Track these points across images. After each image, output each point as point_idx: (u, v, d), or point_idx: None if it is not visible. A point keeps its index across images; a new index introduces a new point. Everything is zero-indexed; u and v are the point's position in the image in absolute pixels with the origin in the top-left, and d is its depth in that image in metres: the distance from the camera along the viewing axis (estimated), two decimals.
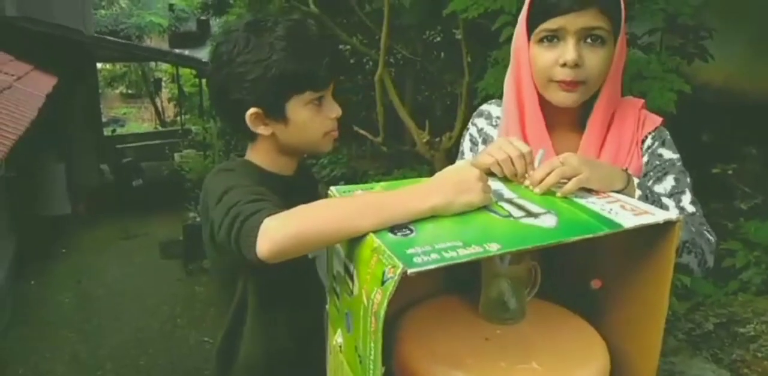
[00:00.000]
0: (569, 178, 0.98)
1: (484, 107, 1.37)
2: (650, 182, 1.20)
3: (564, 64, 1.14)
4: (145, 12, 15.87)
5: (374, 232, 0.84)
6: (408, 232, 0.84)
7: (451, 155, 4.00)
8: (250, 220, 0.91)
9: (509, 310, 1.03)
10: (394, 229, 0.85)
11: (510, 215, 0.89)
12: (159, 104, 15.78)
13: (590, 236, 0.84)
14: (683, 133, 1.26)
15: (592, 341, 1.01)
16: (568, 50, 1.13)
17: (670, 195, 1.18)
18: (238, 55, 1.12)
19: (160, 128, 14.54)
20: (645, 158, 1.24)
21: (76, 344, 4.99)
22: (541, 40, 1.17)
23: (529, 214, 0.90)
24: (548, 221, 0.87)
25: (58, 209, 7.95)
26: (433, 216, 0.88)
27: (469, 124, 1.38)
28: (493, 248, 0.79)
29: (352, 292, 0.88)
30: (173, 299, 6.09)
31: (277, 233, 0.87)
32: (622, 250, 1.01)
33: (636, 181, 1.07)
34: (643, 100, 1.28)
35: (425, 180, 1.03)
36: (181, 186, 8.24)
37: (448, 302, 1.10)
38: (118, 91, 17.36)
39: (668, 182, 1.20)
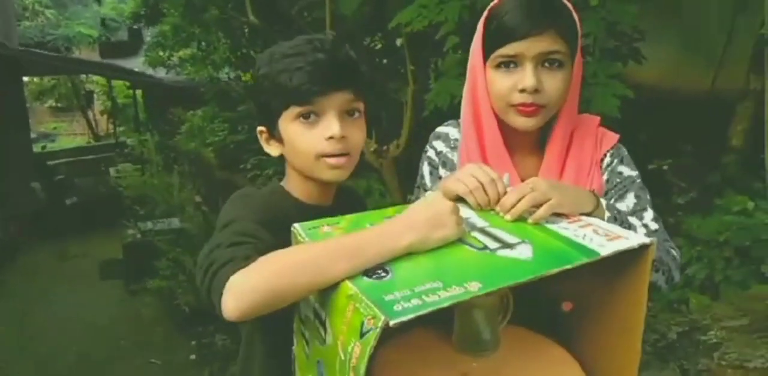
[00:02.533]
0: (540, 204, 0.97)
1: (442, 129, 1.34)
2: (612, 200, 1.19)
3: (523, 90, 1.12)
4: (73, 22, 15.37)
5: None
6: (383, 274, 0.79)
7: (399, 163, 4.00)
8: (219, 273, 0.84)
9: (484, 341, 1.00)
10: (368, 271, 0.80)
11: (486, 247, 0.87)
12: (91, 117, 15.30)
13: (569, 266, 0.82)
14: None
15: (569, 369, 0.99)
16: (527, 76, 1.11)
17: (633, 213, 1.17)
18: (257, 71, 1.10)
19: (93, 142, 14.09)
20: (605, 177, 1.23)
21: (20, 374, 4.75)
22: (498, 66, 1.15)
23: (505, 245, 0.88)
24: (524, 252, 0.85)
25: None
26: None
27: (427, 146, 1.35)
28: (474, 287, 0.75)
29: (324, 340, 0.83)
30: (117, 321, 5.88)
31: (243, 290, 0.80)
32: (594, 272, 0.99)
33: (604, 202, 1.06)
34: (599, 118, 1.27)
35: (392, 211, 0.99)
36: (119, 203, 7.98)
37: (421, 336, 1.05)
38: (47, 106, 16.75)
39: (629, 200, 1.19)
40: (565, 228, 0.94)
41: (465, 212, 1.00)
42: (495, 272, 0.80)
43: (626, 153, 1.26)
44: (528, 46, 1.10)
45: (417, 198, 1.26)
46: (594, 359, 1.02)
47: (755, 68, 3.77)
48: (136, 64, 12.14)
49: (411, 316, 0.69)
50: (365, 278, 0.79)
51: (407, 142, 3.84)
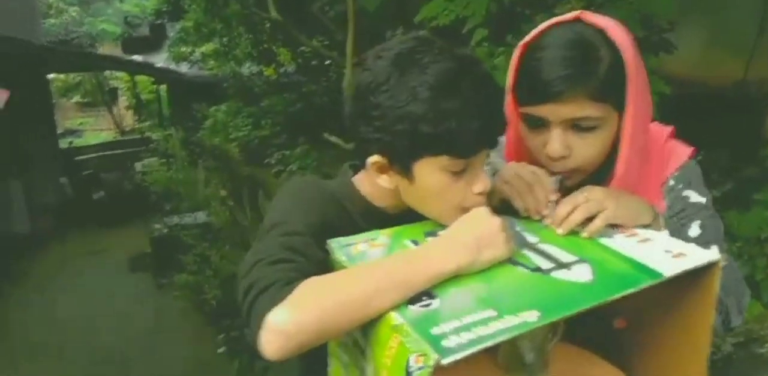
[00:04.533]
0: (594, 215, 0.90)
1: None
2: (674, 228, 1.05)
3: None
4: (96, 19, 15.47)
5: None
6: (429, 301, 0.74)
7: None
8: (259, 300, 0.77)
9: (530, 364, 0.94)
10: (412, 298, 0.74)
11: (539, 268, 0.80)
12: (116, 113, 15.41)
13: (632, 290, 0.76)
14: None
15: None
16: (552, 142, 0.98)
17: (697, 244, 0.99)
18: (375, 91, 0.89)
19: (119, 138, 14.19)
20: (667, 201, 1.07)
21: (49, 369, 4.79)
22: (525, 120, 1.02)
23: (560, 265, 0.81)
24: (582, 274, 0.79)
25: (17, 227, 7.67)
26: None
27: None
28: (532, 317, 0.69)
29: (363, 370, 0.78)
30: (147, 315, 5.91)
31: (288, 331, 0.72)
32: (651, 287, 0.93)
33: (662, 217, 0.98)
34: (670, 130, 1.11)
35: (431, 224, 0.93)
36: (145, 198, 8.02)
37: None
38: (73, 101, 16.91)
39: (694, 230, 1.04)
40: (622, 244, 0.87)
41: (512, 223, 0.93)
42: (553, 298, 0.74)
43: (698, 174, 1.09)
44: (552, 111, 0.96)
45: None
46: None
47: None
48: (160, 59, 12.19)
49: (465, 353, 0.64)
50: (410, 306, 0.73)
51: None
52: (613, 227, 0.93)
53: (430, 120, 0.85)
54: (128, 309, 6.00)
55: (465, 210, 0.89)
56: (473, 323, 0.68)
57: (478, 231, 0.81)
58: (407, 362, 0.66)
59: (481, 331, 0.67)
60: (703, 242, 1.02)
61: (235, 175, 7.13)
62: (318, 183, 1.02)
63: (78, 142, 13.33)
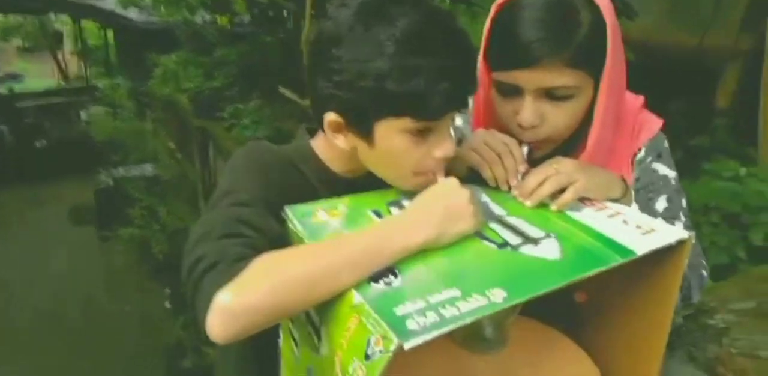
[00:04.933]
0: (564, 188, 0.86)
1: None
2: (641, 202, 1.03)
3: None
4: None
5: None
6: (391, 278, 0.69)
7: None
8: (204, 281, 0.69)
9: (489, 339, 0.91)
10: (374, 274, 0.69)
11: (506, 244, 0.76)
12: (61, 59, 14.74)
13: (603, 269, 0.73)
14: None
15: (582, 367, 0.91)
16: (524, 111, 0.93)
17: (663, 219, 1.00)
18: (337, 42, 0.80)
19: (63, 85, 13.60)
20: (635, 174, 1.04)
21: None
22: (497, 87, 0.97)
23: (528, 240, 0.77)
24: (551, 250, 0.75)
25: None
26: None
27: None
28: (498, 297, 0.65)
29: (318, 349, 0.73)
30: (89, 269, 5.79)
31: (234, 313, 0.66)
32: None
33: (632, 191, 0.95)
34: (642, 99, 1.07)
35: (394, 193, 0.88)
36: (91, 148, 7.76)
37: None
38: (14, 45, 16.08)
39: (660, 203, 1.02)
40: (592, 218, 0.84)
41: (478, 194, 0.89)
42: (520, 276, 0.70)
43: (666, 147, 1.06)
44: (527, 78, 0.90)
45: None
46: (609, 357, 0.94)
47: (747, 26, 3.63)
48: (107, 4, 11.62)
49: (428, 337, 0.59)
50: (372, 283, 0.68)
51: None
52: (583, 200, 0.89)
53: (396, 78, 0.77)
54: (70, 263, 5.87)
55: (425, 175, 0.85)
56: (438, 303, 0.64)
57: (446, 203, 0.76)
58: (367, 344, 0.62)
59: (446, 312, 0.63)
60: (669, 216, 1.01)
61: (185, 127, 6.93)
62: (273, 148, 0.93)
63: (19, 88, 12.74)
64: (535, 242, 0.77)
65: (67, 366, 4.18)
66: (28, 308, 4.95)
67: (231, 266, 0.69)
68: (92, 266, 5.85)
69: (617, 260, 0.74)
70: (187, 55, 7.82)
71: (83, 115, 9.56)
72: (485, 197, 0.89)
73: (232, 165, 0.88)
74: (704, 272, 1.02)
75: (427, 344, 0.92)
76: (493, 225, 0.81)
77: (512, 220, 0.83)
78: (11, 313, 4.86)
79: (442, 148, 0.84)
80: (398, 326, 0.60)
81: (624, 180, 0.94)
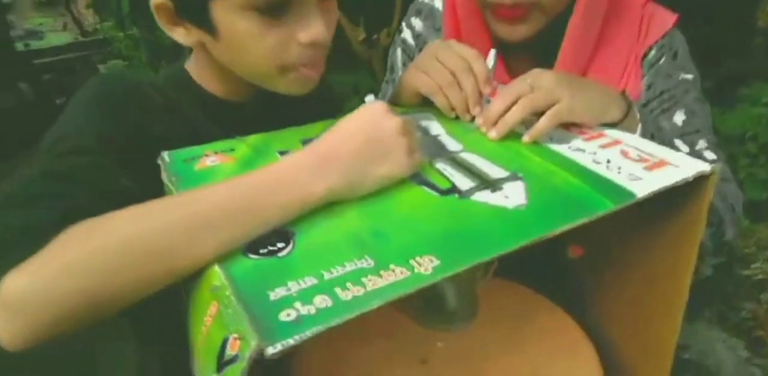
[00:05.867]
0: (542, 111, 0.64)
1: (425, 1, 0.95)
2: (653, 114, 0.83)
3: None
4: None
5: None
6: (279, 245, 0.48)
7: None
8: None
9: (450, 312, 0.71)
10: (255, 242, 0.49)
11: (453, 189, 0.55)
12: (76, 12, 14.50)
13: (585, 221, 0.51)
14: None
15: (578, 351, 0.71)
16: None
17: (681, 135, 0.82)
18: None
19: (81, 39, 13.41)
20: (646, 80, 0.84)
21: None
22: None
23: (485, 183, 0.56)
24: (515, 196, 0.54)
25: None
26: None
27: (403, 24, 0.98)
28: (426, 267, 0.45)
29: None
30: None
31: (22, 307, 0.45)
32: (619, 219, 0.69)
33: (637, 109, 0.72)
34: None
35: (319, 127, 0.66)
36: None
37: None
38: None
39: (678, 116, 0.83)
40: (579, 150, 0.62)
41: (426, 122, 0.68)
42: (463, 237, 0.49)
43: (684, 46, 0.86)
44: None
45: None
46: (609, 328, 0.74)
47: None
48: None
49: (308, 335, 0.39)
50: (249, 254, 0.48)
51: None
52: (569, 127, 0.67)
53: None
54: None
55: (295, 70, 0.65)
56: (337, 280, 0.44)
57: (366, 136, 0.54)
58: (223, 343, 0.42)
59: (345, 293, 0.43)
60: (690, 130, 0.81)
61: None
62: (134, 76, 0.71)
63: (39, 44, 12.59)
64: (493, 185, 0.55)
65: None
66: None
67: (31, 242, 0.47)
68: None
69: (607, 207, 0.52)
70: None
71: (102, 68, 9.39)
72: (438, 130, 0.68)
73: (73, 102, 0.65)
74: (733, 200, 0.81)
75: (381, 328, 0.73)
76: (441, 165, 0.60)
77: (468, 157, 0.61)
78: None
79: (308, 31, 0.63)
80: (265, 319, 0.40)
81: (626, 97, 0.71)
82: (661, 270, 0.65)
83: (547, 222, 0.51)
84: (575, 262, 0.78)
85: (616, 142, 0.64)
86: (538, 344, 0.69)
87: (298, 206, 0.50)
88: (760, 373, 0.87)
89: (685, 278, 0.62)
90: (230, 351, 0.41)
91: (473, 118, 0.69)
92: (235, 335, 0.41)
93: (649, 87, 0.83)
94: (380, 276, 0.44)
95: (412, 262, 0.45)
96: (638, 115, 0.70)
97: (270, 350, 0.38)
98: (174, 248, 0.46)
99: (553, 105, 0.63)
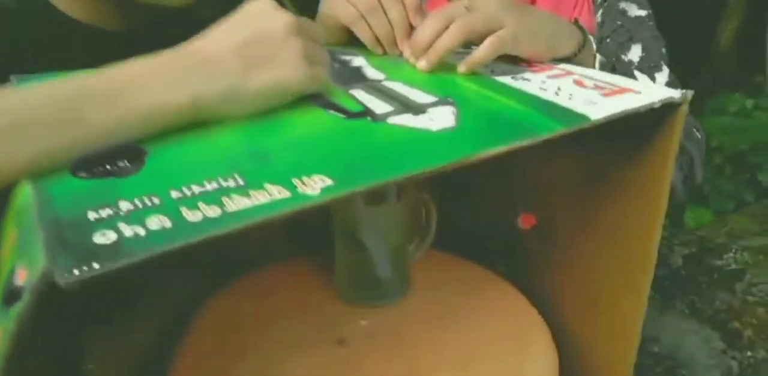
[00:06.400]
0: (481, 39, 0.53)
1: None
2: (610, 51, 0.75)
3: None
4: None
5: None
6: (121, 165, 0.36)
7: None
8: None
9: (380, 284, 0.59)
10: (89, 161, 0.37)
11: (365, 112, 0.44)
12: None
13: (528, 142, 0.40)
14: None
15: (528, 329, 0.59)
16: None
17: (640, 70, 0.74)
18: None
19: None
20: (598, 17, 0.77)
21: None
22: None
23: (405, 107, 0.45)
24: (441, 119, 0.43)
25: None
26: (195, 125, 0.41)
27: None
28: (314, 187, 0.33)
29: None
30: None
31: None
32: (573, 159, 0.58)
33: (593, 40, 0.62)
34: None
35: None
36: None
37: (285, 274, 0.65)
38: None
39: (634, 52, 0.75)
40: (524, 80, 0.52)
41: (350, 57, 0.57)
42: (370, 158, 0.38)
43: None
44: None
45: None
46: (562, 308, 0.62)
47: None
48: None
49: (111, 265, 0.27)
50: (80, 173, 0.36)
51: None
52: (515, 61, 0.57)
53: None
54: None
55: None
56: (186, 199, 0.32)
57: (247, 35, 0.42)
58: (9, 276, 0.30)
59: (195, 214, 0.31)
60: (647, 65, 0.73)
61: None
62: None
63: None
64: (417, 109, 0.44)
65: None
66: None
67: None
68: None
69: (554, 129, 0.41)
70: None
71: None
72: (361, 62, 0.57)
73: None
74: (698, 134, 0.75)
75: (294, 302, 0.61)
76: (356, 91, 0.48)
77: (391, 84, 0.50)
78: None
79: None
80: (70, 241, 0.28)
81: (580, 26, 0.61)
82: (626, 231, 0.55)
83: (479, 143, 0.39)
84: (525, 233, 0.67)
85: (569, 73, 0.53)
86: (482, 322, 0.57)
87: (145, 119, 0.38)
88: (737, 366, 0.77)
89: (652, 236, 0.52)
90: (17, 282, 0.28)
91: (401, 54, 0.58)
92: (22, 266, 0.28)
93: (602, 24, 0.76)
94: (248, 196, 0.32)
95: (295, 181, 0.34)
96: (594, 47, 0.60)
97: (62, 279, 0.26)
98: None
99: (494, 31, 0.53)
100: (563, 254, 0.63)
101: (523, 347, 0.56)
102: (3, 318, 0.28)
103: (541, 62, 0.57)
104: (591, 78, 0.51)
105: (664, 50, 0.77)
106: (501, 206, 0.68)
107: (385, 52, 0.59)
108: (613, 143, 0.52)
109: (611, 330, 0.58)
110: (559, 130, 0.41)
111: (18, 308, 0.27)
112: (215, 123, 0.41)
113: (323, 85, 0.46)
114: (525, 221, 0.66)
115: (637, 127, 0.48)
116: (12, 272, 0.29)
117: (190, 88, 0.39)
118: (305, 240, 0.67)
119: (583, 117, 0.43)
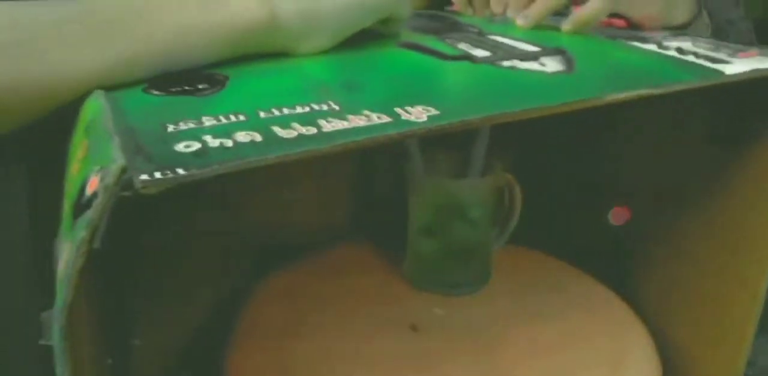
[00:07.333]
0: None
1: None
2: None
3: None
4: None
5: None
6: (201, 86, 0.32)
7: None
8: None
9: (456, 272, 0.53)
10: (164, 81, 0.33)
11: (465, 56, 0.39)
12: None
13: (655, 91, 0.34)
14: None
15: (625, 326, 0.52)
16: None
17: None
18: None
19: None
20: None
21: None
22: None
23: (509, 54, 0.40)
24: (552, 64, 0.37)
25: None
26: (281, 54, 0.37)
27: None
28: (420, 115, 0.28)
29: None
30: None
31: None
32: (681, 154, 0.52)
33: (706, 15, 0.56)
34: None
35: None
36: None
37: (350, 256, 0.59)
38: None
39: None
40: (640, 39, 0.46)
41: (440, 15, 0.53)
42: (476, 93, 0.32)
43: None
44: None
45: None
46: (661, 317, 0.55)
47: None
48: None
49: (199, 173, 0.22)
50: (154, 91, 0.32)
51: None
52: (623, 29, 0.52)
53: None
54: None
55: None
56: (279, 118, 0.27)
57: None
58: (80, 189, 0.25)
59: (288, 132, 0.26)
60: None
61: None
62: None
63: None
64: (524, 55, 0.39)
65: None
66: None
67: None
68: None
69: (686, 79, 0.35)
70: None
71: None
72: (452, 17, 0.52)
73: None
74: None
75: (360, 287, 0.55)
76: (450, 40, 0.43)
77: (491, 36, 0.45)
78: None
79: None
80: (148, 147, 0.24)
81: None
82: (738, 239, 0.48)
83: (602, 86, 0.34)
84: (619, 230, 0.60)
85: (683, 37, 0.47)
86: (574, 322, 0.50)
87: (225, 33, 0.34)
88: None
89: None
90: (88, 193, 0.24)
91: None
92: (95, 172, 0.24)
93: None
94: (346, 120, 0.27)
95: (397, 109, 0.29)
96: (707, 19, 0.54)
97: (140, 178, 0.21)
98: (21, 45, 0.30)
99: None
100: (660, 258, 0.56)
101: (622, 354, 0.49)
102: (72, 232, 0.24)
103: (651, 27, 0.51)
104: (712, 43, 0.46)
105: None
106: (592, 204, 0.61)
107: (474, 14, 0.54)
108: (742, 124, 0.46)
109: (716, 344, 0.51)
110: (692, 81, 0.35)
111: (89, 214, 0.23)
112: (300, 57, 0.37)
113: (402, 4, 0.40)
114: (617, 216, 0.60)
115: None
116: (83, 183, 0.25)
117: (269, 1, 0.35)
118: (370, 224, 0.62)
119: (716, 72, 0.37)
